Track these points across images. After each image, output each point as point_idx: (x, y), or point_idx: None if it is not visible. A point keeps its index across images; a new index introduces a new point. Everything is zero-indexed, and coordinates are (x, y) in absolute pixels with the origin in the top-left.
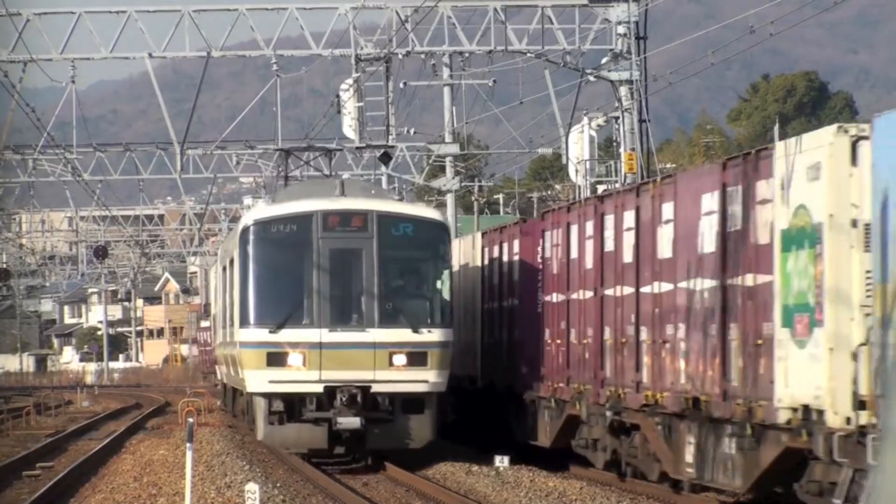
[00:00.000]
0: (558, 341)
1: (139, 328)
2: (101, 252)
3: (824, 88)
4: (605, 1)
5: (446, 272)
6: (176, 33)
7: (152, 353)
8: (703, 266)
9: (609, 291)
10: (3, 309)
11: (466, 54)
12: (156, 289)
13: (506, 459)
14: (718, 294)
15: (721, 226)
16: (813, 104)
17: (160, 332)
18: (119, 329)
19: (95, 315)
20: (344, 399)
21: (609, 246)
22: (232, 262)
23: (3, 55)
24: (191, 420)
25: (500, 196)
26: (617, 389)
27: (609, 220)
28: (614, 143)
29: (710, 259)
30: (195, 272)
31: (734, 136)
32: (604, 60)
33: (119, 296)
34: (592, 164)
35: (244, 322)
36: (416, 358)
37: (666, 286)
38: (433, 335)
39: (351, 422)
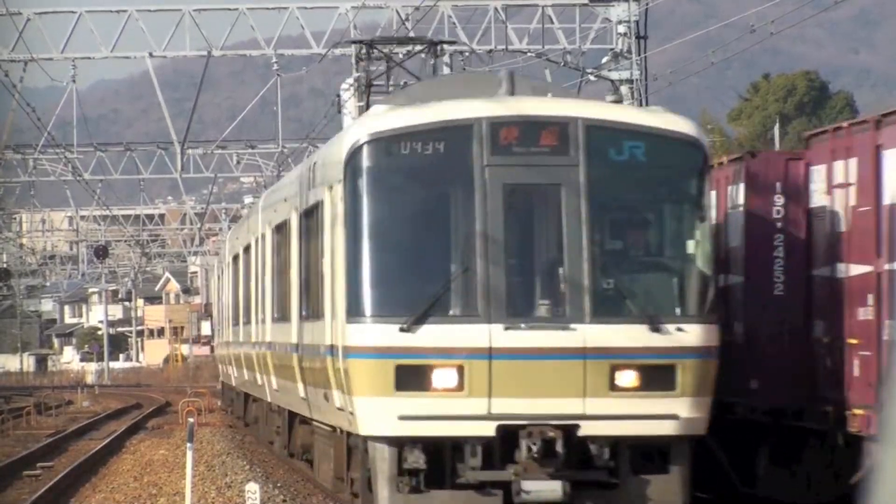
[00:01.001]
0: (853, 340)
1: (139, 328)
2: (101, 252)
3: (825, 88)
4: (606, 0)
5: (704, 226)
6: (176, 32)
7: (153, 353)
8: None
9: None
10: (3, 309)
11: (467, 53)
12: (156, 288)
13: None
14: None
15: None
16: (813, 104)
17: (160, 332)
18: (119, 329)
19: (96, 315)
20: (533, 448)
21: None
22: (312, 213)
23: (4, 54)
24: (191, 420)
25: None
26: None
27: None
28: None
29: None
30: (196, 272)
31: (735, 135)
32: (604, 60)
33: (119, 295)
34: None
35: (355, 312)
36: (658, 375)
37: None
38: (687, 335)
39: (546, 488)
